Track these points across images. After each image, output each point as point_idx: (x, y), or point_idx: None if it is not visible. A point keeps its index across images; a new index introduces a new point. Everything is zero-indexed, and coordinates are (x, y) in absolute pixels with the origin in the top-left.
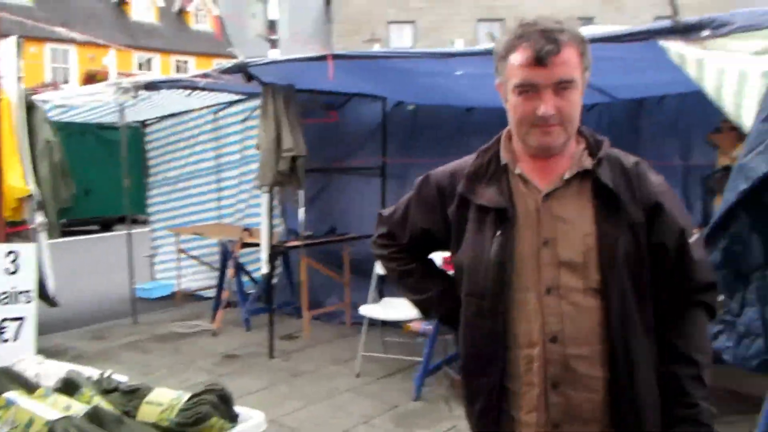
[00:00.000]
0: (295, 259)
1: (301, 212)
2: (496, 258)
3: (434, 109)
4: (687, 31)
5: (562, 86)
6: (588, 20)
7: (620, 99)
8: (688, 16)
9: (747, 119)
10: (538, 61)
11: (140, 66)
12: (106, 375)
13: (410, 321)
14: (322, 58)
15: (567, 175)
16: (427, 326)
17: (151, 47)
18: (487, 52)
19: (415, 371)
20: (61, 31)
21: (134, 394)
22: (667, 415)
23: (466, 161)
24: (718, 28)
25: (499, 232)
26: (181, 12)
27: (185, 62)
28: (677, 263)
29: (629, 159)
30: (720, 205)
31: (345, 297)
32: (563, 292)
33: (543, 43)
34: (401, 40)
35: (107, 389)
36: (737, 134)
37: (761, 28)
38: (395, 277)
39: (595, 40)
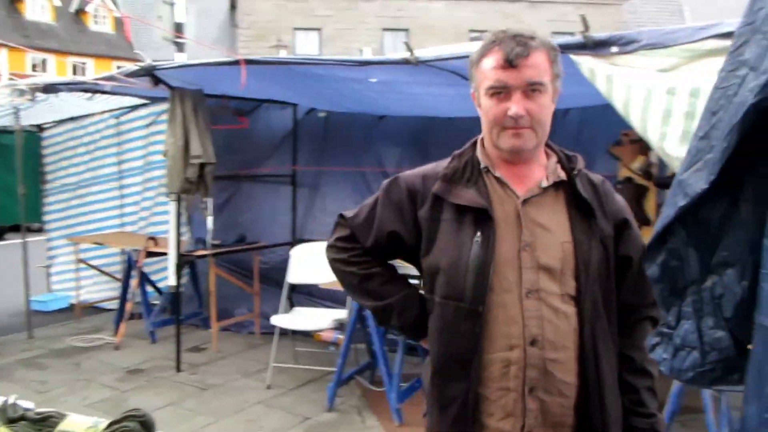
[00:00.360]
0: (203, 269)
1: (210, 220)
2: (478, 259)
3: (346, 117)
4: (596, 46)
5: (531, 88)
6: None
7: None
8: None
9: (652, 133)
10: (509, 62)
11: (34, 67)
12: (10, 401)
13: (321, 330)
14: (235, 63)
15: (545, 183)
16: (339, 335)
17: (47, 48)
18: (405, 62)
19: (327, 381)
20: None
21: (44, 423)
22: (626, 425)
23: (439, 165)
24: (625, 45)
25: (479, 233)
26: (79, 12)
27: (83, 64)
28: (636, 278)
29: (596, 176)
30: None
31: (255, 307)
32: (543, 296)
33: (513, 45)
34: (307, 46)
35: (12, 418)
36: (637, 147)
37: (665, 47)
38: (355, 282)
39: None
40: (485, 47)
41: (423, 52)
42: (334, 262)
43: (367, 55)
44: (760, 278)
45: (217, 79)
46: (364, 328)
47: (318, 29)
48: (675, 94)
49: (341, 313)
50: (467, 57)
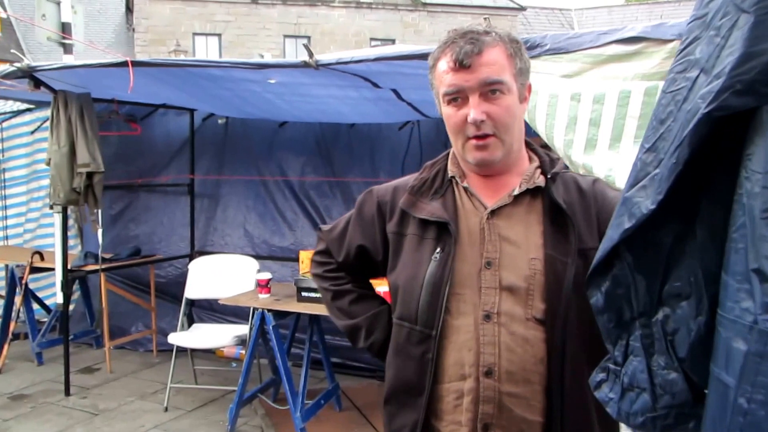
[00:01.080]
0: (96, 284)
1: (100, 233)
2: (432, 278)
3: (246, 123)
4: None
5: (490, 89)
6: (390, 41)
7: (431, 117)
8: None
9: (558, 140)
10: (460, 63)
11: None
12: None
13: (223, 347)
14: (123, 64)
15: (516, 191)
16: (242, 350)
17: None
18: (304, 65)
19: (228, 401)
20: None
21: None
22: None
23: (412, 176)
24: (529, 49)
25: (438, 249)
26: None
27: None
28: None
29: (587, 179)
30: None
31: (152, 324)
32: (503, 320)
33: (463, 44)
34: (207, 52)
35: None
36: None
37: (569, 52)
38: (328, 299)
39: (403, 57)
40: (438, 50)
41: (324, 56)
42: (313, 276)
43: (268, 59)
44: (716, 321)
45: (106, 82)
46: (267, 342)
47: (218, 35)
48: (579, 100)
49: (243, 329)
50: (368, 60)
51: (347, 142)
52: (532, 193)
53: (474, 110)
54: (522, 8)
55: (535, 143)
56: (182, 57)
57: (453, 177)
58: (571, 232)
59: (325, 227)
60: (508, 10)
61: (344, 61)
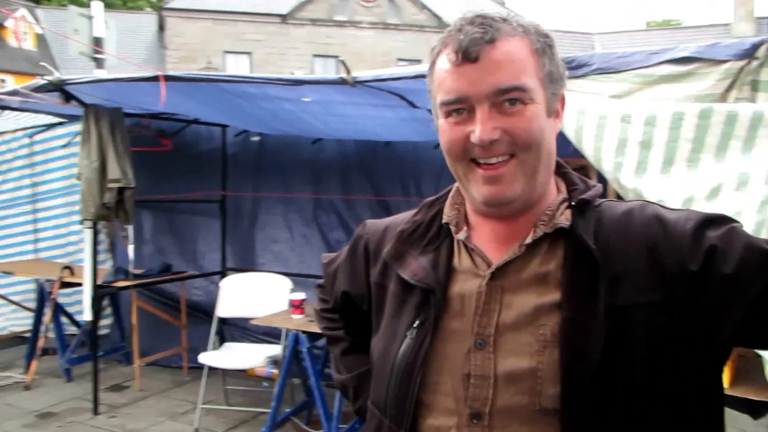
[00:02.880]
0: (126, 301)
1: (131, 249)
2: (404, 360)
3: (279, 140)
4: None
5: (505, 98)
6: (417, 61)
7: None
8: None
9: (606, 163)
10: (464, 53)
11: None
12: None
13: (254, 367)
14: (154, 78)
15: (529, 239)
16: (273, 369)
17: None
18: (341, 81)
19: (260, 423)
20: None
21: None
22: None
23: (408, 214)
24: (575, 69)
25: (417, 322)
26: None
27: (2, 81)
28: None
29: (632, 205)
30: None
31: (182, 341)
32: (498, 422)
33: (470, 29)
34: (237, 70)
35: None
36: (583, 175)
37: (617, 71)
38: (327, 342)
39: None
40: (440, 41)
41: (359, 74)
42: (315, 312)
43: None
44: None
45: (137, 97)
46: (300, 363)
47: (248, 53)
48: (630, 122)
49: (275, 349)
50: (407, 78)
51: (383, 160)
52: (554, 236)
53: (481, 126)
54: None
55: (567, 165)
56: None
57: (447, 224)
58: (601, 283)
59: (325, 257)
60: None
61: (382, 78)
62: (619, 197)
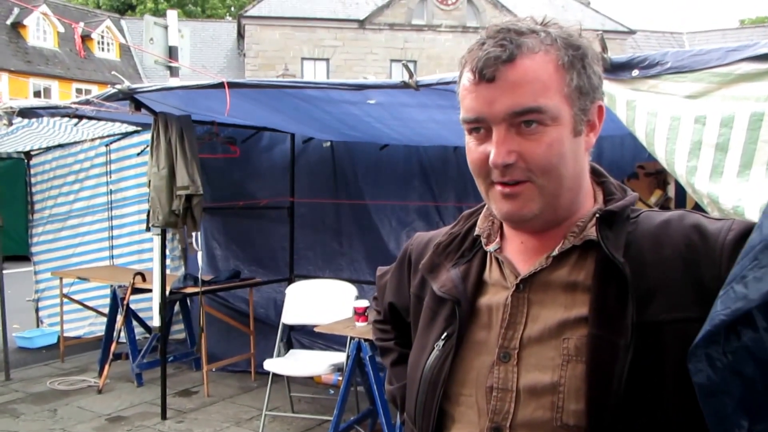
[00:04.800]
0: (197, 307)
1: (200, 256)
2: (430, 371)
3: (347, 146)
4: (615, 70)
5: (523, 119)
6: None
7: None
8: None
9: (679, 167)
10: (480, 74)
11: (36, 93)
12: None
13: (319, 374)
14: (219, 85)
15: (556, 251)
16: (340, 377)
17: (50, 74)
18: (404, 86)
19: (324, 430)
20: None
21: None
22: None
23: (448, 227)
24: (648, 68)
25: (445, 335)
26: (84, 38)
27: (88, 91)
28: None
29: (671, 216)
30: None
31: (250, 347)
32: None
33: (490, 46)
34: (315, 76)
35: None
36: (654, 180)
37: (693, 70)
38: (380, 353)
39: None
40: (464, 55)
41: (427, 78)
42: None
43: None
44: None
45: (206, 104)
46: (363, 371)
47: (326, 59)
48: (704, 123)
49: (340, 357)
50: None
51: (453, 166)
52: (584, 248)
53: (496, 149)
54: (632, 31)
55: (605, 172)
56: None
57: (478, 236)
58: (630, 299)
59: (380, 269)
60: (617, 33)
61: (446, 81)
62: (697, 204)
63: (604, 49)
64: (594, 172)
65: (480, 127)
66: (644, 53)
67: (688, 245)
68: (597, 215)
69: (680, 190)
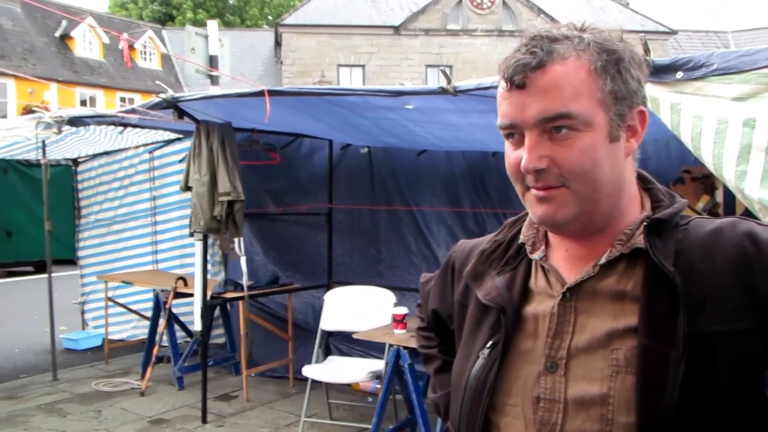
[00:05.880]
0: (236, 311)
1: (243, 261)
2: (475, 380)
3: (386, 152)
4: (659, 72)
5: (553, 125)
6: None
7: None
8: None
9: (728, 172)
10: (510, 81)
11: (83, 103)
12: None
13: (357, 382)
14: (259, 93)
15: (603, 259)
16: (378, 384)
17: (95, 83)
18: (442, 91)
19: None
20: None
21: None
22: None
23: (493, 234)
24: (692, 70)
25: (490, 343)
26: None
27: (131, 100)
28: None
29: (722, 224)
30: None
31: (289, 353)
32: None
33: (522, 53)
34: (351, 83)
35: None
36: (701, 185)
37: (741, 71)
38: (423, 360)
39: None
40: (502, 62)
41: (465, 83)
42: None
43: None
44: None
45: (246, 112)
46: (402, 380)
47: (362, 66)
48: (754, 126)
49: (378, 364)
50: None
51: (493, 172)
52: (632, 256)
53: (527, 155)
54: (673, 31)
55: (652, 178)
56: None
57: (523, 244)
58: (681, 309)
59: (424, 277)
60: (658, 34)
61: (484, 86)
62: (747, 210)
63: (647, 51)
64: (641, 178)
65: (514, 132)
66: (688, 55)
67: (740, 254)
68: (645, 223)
69: (729, 196)
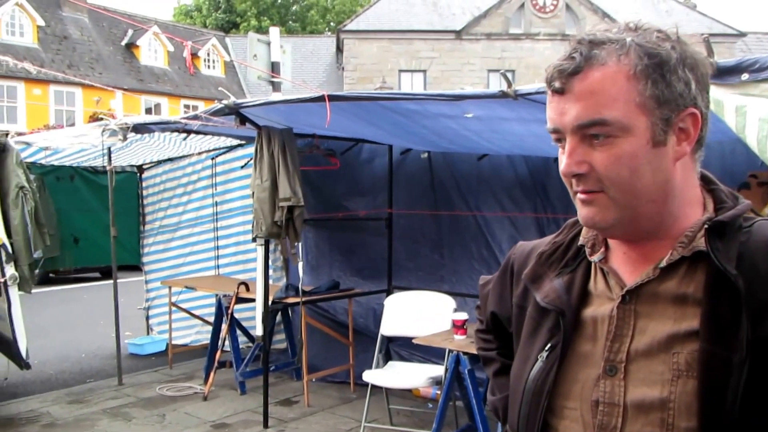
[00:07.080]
0: (297, 316)
1: (301, 266)
2: (534, 383)
3: (446, 157)
4: (723, 74)
5: (589, 132)
6: None
7: None
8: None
9: None
10: (552, 89)
11: (148, 110)
12: None
13: (417, 387)
14: (319, 99)
15: (664, 262)
16: (437, 390)
17: (160, 91)
18: (502, 95)
19: None
20: (59, 74)
21: None
22: None
23: (552, 236)
24: (758, 71)
25: (549, 345)
26: (192, 56)
27: (195, 107)
28: None
29: None
30: None
31: (349, 358)
32: None
33: (561, 61)
34: (412, 88)
35: None
36: None
37: None
38: (482, 363)
39: None
40: (549, 65)
41: (525, 87)
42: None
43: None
44: None
45: (307, 118)
46: (462, 386)
47: (423, 71)
48: None
49: (439, 369)
50: None
51: (555, 176)
52: (693, 259)
53: (566, 159)
54: (742, 34)
55: (715, 179)
56: None
57: (583, 246)
58: (744, 312)
59: (483, 279)
60: (725, 36)
61: (545, 90)
62: None
63: (710, 53)
64: (704, 179)
65: (561, 137)
66: (754, 56)
67: None
68: (706, 225)
69: None
